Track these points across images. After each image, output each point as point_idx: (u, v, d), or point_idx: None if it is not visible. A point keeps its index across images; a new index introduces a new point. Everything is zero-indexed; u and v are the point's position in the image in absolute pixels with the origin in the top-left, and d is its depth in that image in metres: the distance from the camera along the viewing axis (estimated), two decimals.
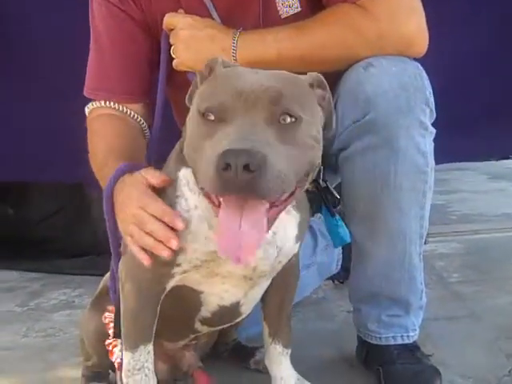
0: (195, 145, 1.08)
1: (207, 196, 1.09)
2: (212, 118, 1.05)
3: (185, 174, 1.20)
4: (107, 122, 1.52)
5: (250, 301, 1.36)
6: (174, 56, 1.45)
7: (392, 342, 1.49)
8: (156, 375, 1.33)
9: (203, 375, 1.50)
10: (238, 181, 0.96)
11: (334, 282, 2.22)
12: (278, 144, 1.02)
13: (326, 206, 1.57)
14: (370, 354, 1.53)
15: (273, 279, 1.39)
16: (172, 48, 1.45)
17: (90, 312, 1.49)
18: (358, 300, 1.55)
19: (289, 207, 1.20)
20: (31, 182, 2.76)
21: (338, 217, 1.59)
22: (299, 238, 1.29)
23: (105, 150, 1.42)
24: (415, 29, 1.38)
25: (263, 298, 1.41)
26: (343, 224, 1.64)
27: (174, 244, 1.15)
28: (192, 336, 1.46)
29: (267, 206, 1.04)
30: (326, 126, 1.19)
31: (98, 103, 1.55)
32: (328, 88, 1.18)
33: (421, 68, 1.38)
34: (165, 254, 1.16)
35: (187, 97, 1.21)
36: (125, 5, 1.51)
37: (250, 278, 1.27)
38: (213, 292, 1.29)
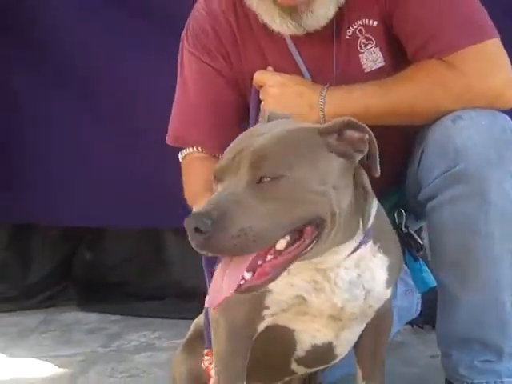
0: None
1: None
2: (215, 179, 1.12)
3: None
4: (205, 161, 1.59)
5: (343, 343, 1.35)
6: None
7: None
8: None
9: None
10: (195, 242, 1.01)
11: (413, 326, 2.21)
12: (253, 202, 1.04)
13: (409, 251, 1.58)
14: None
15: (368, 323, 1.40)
16: (262, 104, 1.51)
17: (183, 354, 1.52)
18: (447, 345, 1.54)
19: (375, 250, 1.23)
20: (107, 227, 2.84)
21: (421, 262, 1.61)
22: (390, 282, 1.29)
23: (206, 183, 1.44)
24: (503, 83, 1.40)
25: (357, 341, 1.42)
26: (427, 269, 1.66)
27: None
28: (287, 379, 1.47)
29: (247, 261, 1.05)
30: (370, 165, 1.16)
31: (191, 149, 1.63)
32: (368, 130, 1.14)
33: (510, 120, 1.40)
34: None
35: None
36: (215, 62, 1.59)
37: (340, 318, 1.27)
38: (305, 330, 1.31)
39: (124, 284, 2.87)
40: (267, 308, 1.25)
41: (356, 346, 1.42)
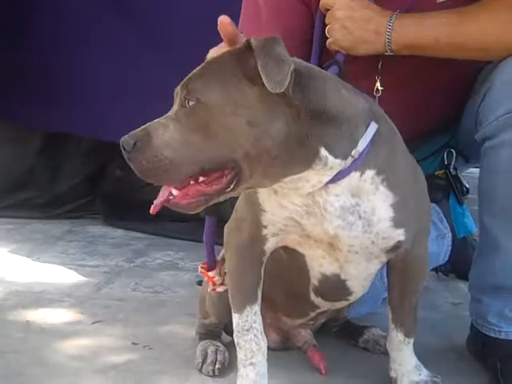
0: None
1: None
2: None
3: None
4: None
5: (353, 277, 1.33)
6: (328, 35, 1.46)
7: None
8: (268, 343, 1.36)
9: (318, 354, 1.53)
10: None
11: (437, 273, 2.20)
12: (178, 132, 1.07)
13: (455, 194, 1.55)
14: (487, 347, 1.50)
15: (391, 266, 1.36)
16: (327, 27, 1.46)
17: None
18: (479, 290, 1.53)
19: (377, 182, 1.17)
20: None
21: (465, 206, 1.58)
22: (399, 222, 1.21)
23: None
24: None
25: (388, 283, 1.41)
26: (469, 214, 1.64)
27: None
28: (312, 314, 1.48)
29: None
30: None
31: None
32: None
33: None
34: None
35: None
36: None
37: (339, 248, 1.25)
38: (313, 255, 1.30)
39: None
40: (265, 227, 1.26)
41: (388, 288, 1.41)
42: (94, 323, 1.76)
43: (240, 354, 1.34)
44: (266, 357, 1.34)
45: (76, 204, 2.98)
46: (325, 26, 1.47)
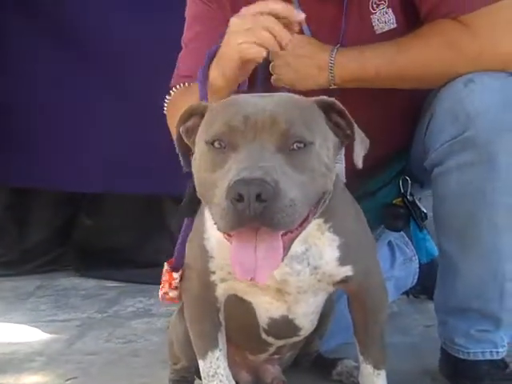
0: (206, 178, 1.07)
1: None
2: (221, 146, 1.05)
3: None
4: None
5: (301, 316, 1.35)
6: (272, 72, 1.49)
7: (481, 358, 1.48)
8: (240, 383, 1.37)
9: None
10: (250, 212, 0.95)
11: (408, 296, 2.21)
12: (290, 170, 1.01)
13: (414, 220, 1.58)
14: (457, 369, 1.52)
15: (350, 298, 1.39)
16: (271, 64, 1.49)
17: (179, 316, 1.52)
18: (445, 313, 1.55)
19: (324, 229, 1.21)
20: (106, 193, 2.83)
21: (425, 231, 1.61)
22: (346, 260, 1.24)
23: None
24: None
25: (351, 315, 1.41)
26: (430, 238, 1.66)
27: (287, 37, 1.23)
28: (270, 350, 1.49)
29: (279, 233, 1.04)
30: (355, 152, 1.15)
31: (186, 84, 1.56)
32: (350, 120, 1.14)
33: None
34: (276, 47, 1.23)
35: (182, 163, 1.22)
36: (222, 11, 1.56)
37: (287, 292, 1.27)
38: (258, 303, 1.33)
39: (122, 250, 2.86)
40: (213, 273, 1.26)
41: (352, 320, 1.42)
42: (66, 381, 1.73)
43: None
44: None
45: (47, 258, 2.94)
46: (269, 62, 1.49)
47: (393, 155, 1.70)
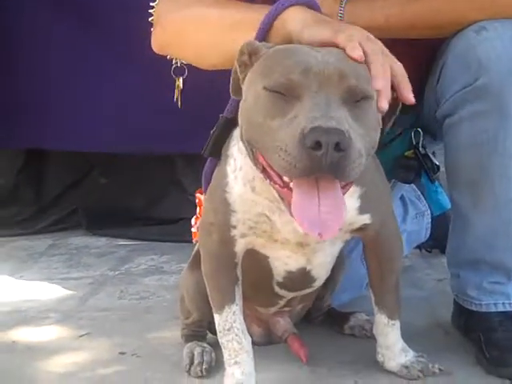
0: (262, 125, 1.04)
1: (269, 177, 1.09)
2: (282, 94, 1.03)
3: (236, 134, 1.22)
4: None
5: (318, 266, 1.37)
6: None
7: (493, 309, 1.47)
8: (252, 338, 1.38)
9: (297, 342, 1.53)
10: (325, 161, 0.95)
11: (421, 250, 2.22)
12: (353, 122, 1.01)
13: (426, 172, 1.56)
14: (470, 321, 1.51)
15: (366, 248, 1.40)
16: None
17: (189, 269, 1.55)
18: (456, 266, 1.54)
19: None
20: (118, 153, 2.82)
21: (437, 183, 1.59)
22: (365, 209, 1.26)
23: (221, 9, 1.32)
24: None
25: (367, 267, 1.42)
26: (442, 191, 1.64)
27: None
28: (281, 303, 1.50)
29: (339, 185, 1.04)
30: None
31: None
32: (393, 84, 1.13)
33: None
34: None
35: (231, 89, 1.19)
36: None
37: (307, 243, 1.28)
38: (277, 257, 1.33)
39: (134, 208, 2.88)
40: (234, 227, 1.26)
41: (367, 271, 1.43)
42: (80, 337, 1.75)
43: (225, 354, 1.36)
44: (251, 355, 1.35)
45: (58, 216, 2.96)
46: None
47: (405, 106, 1.68)
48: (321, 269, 1.39)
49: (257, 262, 1.35)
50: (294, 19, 1.19)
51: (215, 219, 1.29)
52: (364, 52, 1.10)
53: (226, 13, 1.32)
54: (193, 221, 1.52)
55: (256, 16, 1.23)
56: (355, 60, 1.08)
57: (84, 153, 2.85)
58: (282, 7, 1.20)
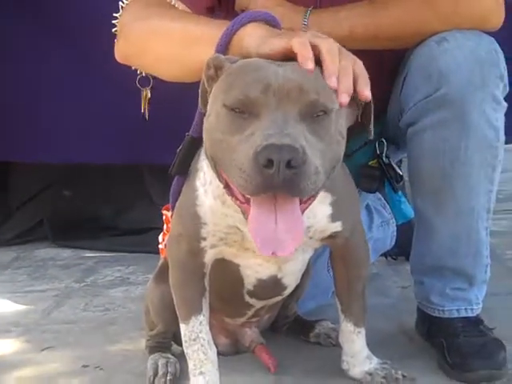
0: (222, 142, 1.05)
1: (231, 192, 1.09)
2: (240, 112, 1.03)
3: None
4: (160, 5, 1.40)
5: (289, 274, 1.38)
6: None
7: (456, 315, 1.49)
8: (218, 348, 1.37)
9: (265, 352, 1.53)
10: (278, 178, 0.95)
11: (387, 258, 2.23)
12: (312, 138, 1.01)
13: (389, 181, 1.57)
14: (433, 327, 1.52)
15: (334, 256, 1.41)
16: None
17: (155, 281, 1.54)
18: (420, 273, 1.55)
19: None
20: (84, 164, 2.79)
21: (400, 193, 1.61)
22: (336, 216, 1.27)
23: (182, 23, 1.32)
24: (491, 3, 1.38)
25: (333, 275, 1.43)
26: (406, 200, 1.66)
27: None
28: (249, 313, 1.50)
29: (298, 202, 1.04)
30: (364, 129, 1.17)
31: None
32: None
33: (495, 42, 1.37)
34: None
35: (200, 101, 1.19)
36: None
37: None
38: (248, 265, 1.33)
39: (100, 220, 2.86)
40: (204, 239, 1.26)
41: (334, 279, 1.44)
42: (42, 350, 1.72)
43: (190, 364, 1.35)
44: (216, 366, 1.34)
45: (23, 228, 2.92)
46: None
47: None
48: (292, 277, 1.40)
49: (226, 272, 1.35)
50: (251, 36, 1.19)
51: (185, 231, 1.28)
52: (319, 52, 1.10)
53: (186, 27, 1.32)
54: (160, 237, 1.51)
55: (215, 32, 1.23)
56: (309, 70, 1.07)
57: (48, 164, 2.81)
58: (238, 24, 1.21)
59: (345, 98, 1.08)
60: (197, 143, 1.27)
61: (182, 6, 1.45)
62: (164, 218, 1.48)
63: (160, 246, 1.57)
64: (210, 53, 1.19)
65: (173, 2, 1.43)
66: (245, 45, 1.19)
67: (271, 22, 1.24)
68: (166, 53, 1.35)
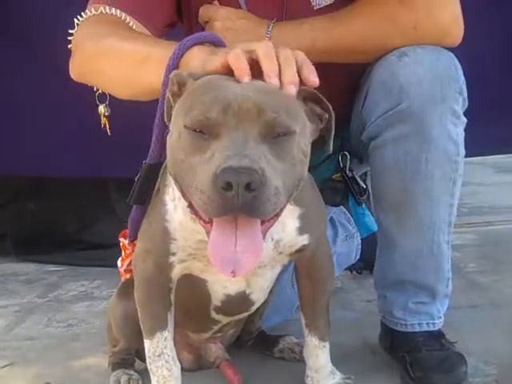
0: (183, 163, 1.04)
1: (194, 213, 1.08)
2: (201, 132, 1.02)
3: None
4: (114, 23, 1.40)
5: (257, 290, 1.37)
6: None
7: (418, 329, 1.50)
8: (181, 364, 1.36)
9: (230, 368, 1.52)
10: (237, 201, 0.94)
11: (351, 272, 2.25)
12: (272, 159, 1.01)
13: (353, 195, 1.59)
14: (395, 341, 1.53)
15: (299, 271, 1.41)
16: (207, 26, 1.46)
17: (117, 297, 1.52)
18: (383, 287, 1.56)
19: None
20: (48, 176, 2.75)
21: (364, 206, 1.62)
22: (304, 229, 1.26)
23: (130, 44, 1.32)
24: (451, 19, 1.40)
25: (298, 289, 1.43)
26: (369, 213, 1.67)
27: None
28: (215, 328, 1.49)
29: (259, 222, 1.03)
30: (325, 143, 1.17)
31: (102, 8, 1.42)
32: (329, 108, 1.14)
33: (455, 58, 1.39)
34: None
35: (166, 117, 1.18)
36: None
37: None
38: (216, 280, 1.32)
39: (65, 234, 2.82)
40: (173, 254, 1.25)
41: (298, 293, 1.44)
42: (4, 367, 1.69)
43: (153, 381, 1.33)
44: (179, 382, 1.33)
45: None
46: None
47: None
48: (260, 293, 1.39)
49: (193, 287, 1.34)
50: (196, 58, 1.19)
51: (153, 246, 1.27)
52: (256, 57, 1.09)
53: (135, 48, 1.31)
54: (119, 262, 1.48)
55: (165, 52, 1.22)
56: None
57: (12, 177, 2.76)
58: (184, 47, 1.20)
59: (291, 89, 1.07)
60: (154, 170, 1.26)
61: (137, 25, 1.44)
62: (121, 244, 1.46)
63: (121, 270, 1.54)
64: (158, 73, 1.20)
65: (127, 20, 1.42)
66: (191, 67, 1.18)
67: (217, 43, 1.24)
68: (116, 74, 1.35)
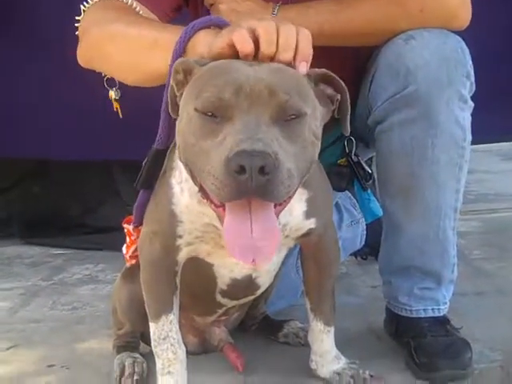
0: (194, 147, 1.03)
1: (205, 196, 1.07)
2: (212, 115, 1.02)
3: None
4: (120, 8, 1.39)
5: (264, 273, 1.38)
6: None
7: (423, 315, 1.50)
8: (186, 347, 1.36)
9: (233, 351, 1.52)
10: (251, 184, 0.94)
11: (356, 257, 2.24)
12: (284, 141, 1.00)
13: (358, 180, 1.58)
14: (400, 327, 1.53)
15: (305, 254, 1.40)
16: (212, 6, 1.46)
17: (122, 280, 1.53)
18: (388, 273, 1.56)
19: None
20: (55, 160, 2.75)
21: (369, 191, 1.61)
22: (311, 213, 1.27)
23: (137, 29, 1.31)
24: (458, 1, 1.39)
25: (304, 273, 1.43)
26: (375, 199, 1.66)
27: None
28: (220, 311, 1.49)
29: (272, 206, 1.03)
30: (337, 125, 1.17)
31: None
32: (343, 87, 1.14)
33: (462, 41, 1.38)
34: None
35: (170, 107, 1.17)
36: None
37: None
38: (223, 264, 1.32)
39: (69, 217, 2.82)
40: (180, 237, 1.24)
41: (304, 278, 1.43)
42: (8, 349, 1.69)
43: (158, 364, 1.33)
44: (184, 365, 1.33)
45: None
46: None
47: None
48: (266, 276, 1.39)
49: (199, 271, 1.33)
50: (202, 42, 1.18)
51: (160, 228, 1.26)
52: (258, 37, 1.08)
53: (143, 32, 1.31)
54: (124, 249, 1.48)
55: (171, 37, 1.22)
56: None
57: (17, 160, 2.77)
58: (190, 31, 1.20)
59: (303, 68, 1.09)
60: (162, 155, 1.26)
61: (144, 10, 1.43)
62: (126, 231, 1.45)
63: (126, 256, 1.53)
64: (165, 58, 1.20)
65: (134, 5, 1.41)
66: (198, 52, 1.18)
67: (222, 27, 1.22)
68: (123, 60, 1.34)
